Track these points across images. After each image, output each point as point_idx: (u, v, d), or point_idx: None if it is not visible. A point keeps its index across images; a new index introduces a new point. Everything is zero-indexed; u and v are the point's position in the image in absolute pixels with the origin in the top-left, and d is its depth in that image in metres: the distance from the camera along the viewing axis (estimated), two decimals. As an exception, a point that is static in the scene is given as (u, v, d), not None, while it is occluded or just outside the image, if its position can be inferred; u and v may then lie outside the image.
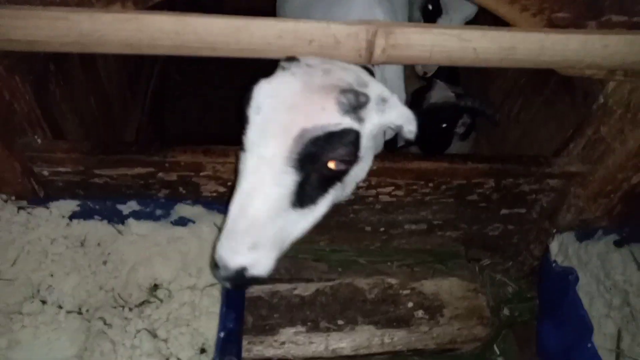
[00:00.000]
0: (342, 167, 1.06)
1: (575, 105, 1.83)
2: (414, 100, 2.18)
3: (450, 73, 2.59)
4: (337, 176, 1.10)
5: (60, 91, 1.64)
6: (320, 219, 1.17)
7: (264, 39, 1.03)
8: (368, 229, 1.81)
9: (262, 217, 1.03)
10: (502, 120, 2.48)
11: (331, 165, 1.03)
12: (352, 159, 1.06)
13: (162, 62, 2.97)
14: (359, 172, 1.17)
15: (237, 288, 1.26)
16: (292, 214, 1.08)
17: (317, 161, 1.02)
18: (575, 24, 1.14)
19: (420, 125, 2.05)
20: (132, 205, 1.51)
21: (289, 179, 1.03)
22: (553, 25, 1.13)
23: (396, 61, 1.08)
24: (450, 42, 1.05)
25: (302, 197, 1.07)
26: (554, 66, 1.18)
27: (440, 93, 2.12)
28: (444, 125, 2.06)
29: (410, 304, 1.72)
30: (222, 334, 1.29)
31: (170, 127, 2.96)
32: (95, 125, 1.99)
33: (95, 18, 0.98)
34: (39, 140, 1.43)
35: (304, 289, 1.71)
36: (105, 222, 1.54)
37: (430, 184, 1.62)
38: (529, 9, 1.10)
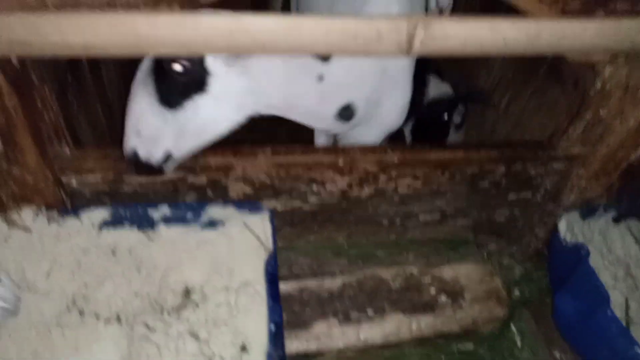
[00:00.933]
0: (181, 69, 1.27)
1: (565, 93, 1.96)
2: (411, 101, 2.27)
3: (432, 68, 2.71)
4: (190, 82, 1.32)
5: (76, 101, 1.64)
6: (205, 129, 1.41)
7: (313, 36, 1.08)
8: (385, 222, 1.88)
9: (139, 111, 1.36)
10: (491, 113, 2.61)
11: (176, 67, 1.27)
12: (190, 64, 1.28)
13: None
14: (225, 92, 1.38)
15: (143, 172, 1.47)
16: (166, 113, 1.35)
17: (168, 65, 1.26)
18: (586, 12, 1.25)
19: (421, 121, 2.14)
20: (164, 210, 1.52)
21: (150, 80, 1.32)
22: (567, 13, 1.24)
23: (432, 52, 1.15)
24: (482, 33, 1.13)
25: (168, 98, 1.33)
26: (571, 51, 1.29)
27: (437, 87, 2.21)
28: (445, 117, 2.15)
29: (433, 290, 1.79)
30: (272, 327, 1.32)
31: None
32: (103, 134, 1.99)
33: (152, 20, 1.01)
34: (68, 150, 1.43)
35: (331, 283, 1.76)
36: (135, 228, 1.54)
37: (446, 173, 1.70)
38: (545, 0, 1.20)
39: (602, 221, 1.90)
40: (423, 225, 1.94)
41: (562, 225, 1.80)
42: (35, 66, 1.26)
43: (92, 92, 1.84)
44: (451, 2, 2.17)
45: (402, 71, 1.70)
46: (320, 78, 1.48)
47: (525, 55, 1.24)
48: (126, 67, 2.31)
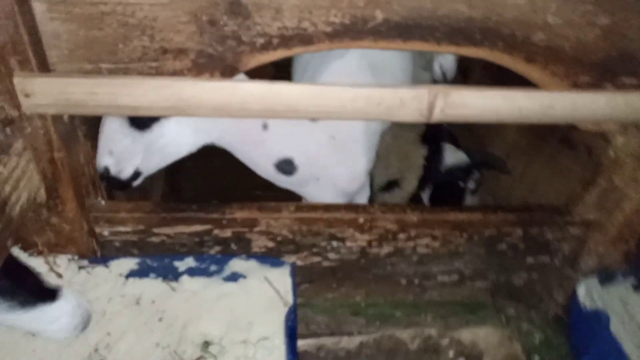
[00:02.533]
0: None
1: (579, 160, 2.02)
2: (428, 169, 2.32)
3: (450, 134, 2.80)
4: None
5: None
6: (169, 149, 1.58)
7: (340, 102, 1.18)
8: (403, 281, 1.89)
9: (111, 132, 1.45)
10: (506, 180, 2.67)
11: None
12: None
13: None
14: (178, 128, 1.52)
15: (114, 187, 1.58)
16: (136, 134, 1.46)
17: None
18: (595, 86, 1.33)
19: (438, 187, 2.19)
20: (189, 262, 1.58)
21: None
22: (577, 87, 1.32)
23: (451, 119, 1.24)
24: (498, 102, 1.21)
25: (138, 120, 1.43)
26: (582, 122, 1.36)
27: (453, 155, 2.29)
28: (462, 184, 2.21)
29: (451, 354, 1.77)
30: (290, 383, 1.32)
31: (185, 194, 3.05)
32: (134, 189, 2.08)
33: (194, 85, 1.12)
34: (103, 202, 1.52)
35: (348, 342, 1.75)
36: (159, 279, 1.59)
37: (464, 234, 1.74)
38: (557, 74, 1.29)
39: (621, 288, 1.89)
40: (441, 286, 1.95)
41: (581, 291, 1.79)
42: (82, 123, 1.37)
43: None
44: (455, 66, 2.29)
45: (353, 140, 1.80)
46: (265, 126, 1.62)
47: (539, 124, 1.31)
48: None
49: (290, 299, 1.55)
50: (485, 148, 2.98)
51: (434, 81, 2.33)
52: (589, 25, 1.21)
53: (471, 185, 2.37)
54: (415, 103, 1.19)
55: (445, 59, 2.23)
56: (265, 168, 1.73)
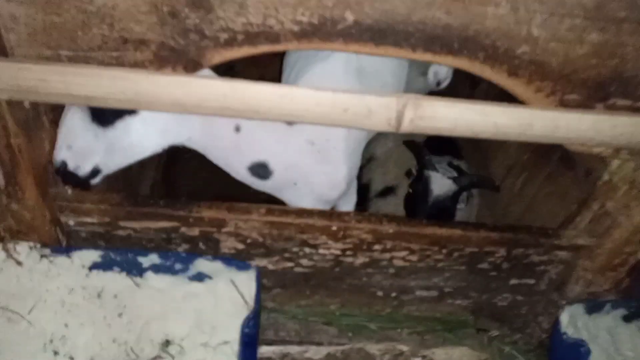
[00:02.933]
0: None
1: (577, 182, 1.92)
2: (415, 197, 2.17)
3: (451, 145, 2.70)
4: None
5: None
6: (133, 149, 1.49)
7: (304, 106, 1.12)
8: (380, 293, 1.83)
9: (71, 126, 1.37)
10: (505, 195, 2.57)
11: None
12: None
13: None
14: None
15: (70, 182, 1.48)
16: (97, 129, 1.39)
17: None
18: (584, 105, 1.24)
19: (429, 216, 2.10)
20: (153, 258, 1.54)
21: None
22: (564, 105, 1.24)
23: (423, 131, 1.17)
24: (472, 116, 1.14)
25: (101, 116, 1.35)
26: (567, 142, 1.28)
27: (440, 183, 2.11)
28: (450, 211, 2.12)
29: (421, 372, 1.70)
30: (239, 393, 1.28)
31: (180, 186, 3.02)
32: (115, 180, 2.05)
33: (151, 79, 1.07)
34: (69, 191, 1.49)
35: (315, 353, 1.70)
36: (124, 274, 1.55)
37: (444, 250, 1.67)
38: (543, 90, 1.21)
39: (609, 318, 1.79)
40: (420, 301, 1.88)
41: (564, 318, 1.70)
42: (49, 110, 1.34)
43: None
44: (450, 75, 2.20)
45: (334, 147, 1.72)
46: (238, 129, 1.54)
47: (521, 142, 1.23)
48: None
49: (253, 304, 1.51)
50: (487, 161, 2.89)
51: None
52: (578, 40, 1.13)
53: (461, 205, 2.26)
54: (383, 112, 1.13)
55: (441, 68, 2.14)
56: (238, 171, 1.67)
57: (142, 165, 2.51)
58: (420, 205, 2.08)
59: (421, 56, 1.14)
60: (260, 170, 1.64)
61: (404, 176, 2.42)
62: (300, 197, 1.79)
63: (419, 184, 2.11)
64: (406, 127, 1.15)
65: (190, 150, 3.42)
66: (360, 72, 1.73)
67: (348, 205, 2.12)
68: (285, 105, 1.12)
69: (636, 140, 1.23)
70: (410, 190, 2.18)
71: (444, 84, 2.20)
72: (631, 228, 1.53)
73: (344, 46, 1.13)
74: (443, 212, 2.08)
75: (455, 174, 2.22)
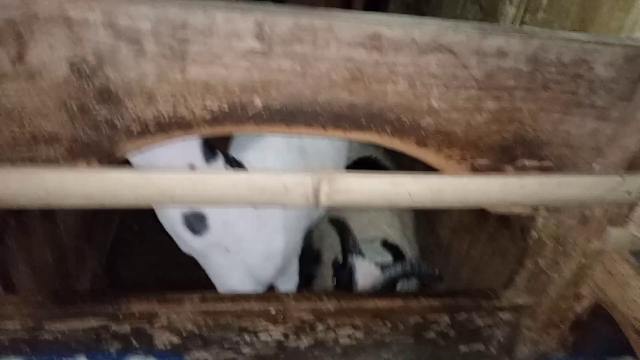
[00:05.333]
0: None
1: (514, 240, 1.96)
2: (341, 281, 1.92)
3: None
4: None
5: (18, 244, 1.65)
6: None
7: (220, 190, 1.13)
8: (330, 376, 1.75)
9: None
10: (453, 258, 2.60)
11: None
12: None
13: (121, 212, 3.05)
14: None
15: None
16: None
17: None
18: (494, 169, 1.30)
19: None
20: (80, 361, 1.44)
21: None
22: (476, 170, 1.29)
23: (340, 204, 1.19)
24: (386, 187, 1.17)
25: None
26: (482, 206, 1.32)
27: (366, 272, 1.84)
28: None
29: None
30: None
31: (126, 275, 2.91)
32: (49, 276, 1.97)
33: (60, 174, 1.07)
34: (-13, 296, 1.41)
35: None
36: (49, 382, 1.44)
37: (388, 323, 1.63)
38: (453, 157, 1.27)
39: (562, 377, 1.77)
40: (372, 379, 1.81)
41: (518, 383, 1.67)
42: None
43: (40, 235, 1.86)
44: None
45: (272, 217, 1.68)
46: (191, 167, 1.37)
47: (438, 208, 1.26)
48: (88, 210, 2.39)
49: (189, 401, 1.41)
50: (433, 225, 2.93)
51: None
52: (476, 109, 1.21)
53: (400, 286, 1.99)
54: (299, 189, 1.14)
55: None
56: (172, 218, 1.53)
57: (82, 259, 2.42)
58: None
59: (333, 133, 1.19)
60: (196, 222, 1.53)
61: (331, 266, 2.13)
62: (229, 269, 1.71)
63: (344, 272, 1.86)
64: (324, 202, 1.16)
65: (138, 237, 3.33)
66: (301, 149, 1.77)
67: (287, 286, 2.07)
68: (200, 191, 1.12)
69: (546, 198, 1.29)
70: (335, 281, 1.96)
71: None
72: (564, 284, 1.55)
73: (257, 128, 1.16)
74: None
75: (388, 258, 2.05)
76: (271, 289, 2.11)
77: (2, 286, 1.51)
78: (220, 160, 1.46)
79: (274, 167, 1.70)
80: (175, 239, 1.65)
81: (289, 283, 2.06)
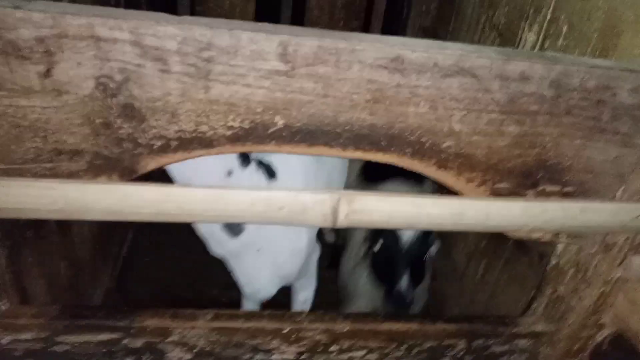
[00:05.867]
0: None
1: (532, 266, 1.94)
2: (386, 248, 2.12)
3: None
4: None
5: (34, 257, 1.66)
6: None
7: (239, 206, 1.13)
8: (342, 399, 1.72)
9: None
10: (469, 283, 2.56)
11: None
12: None
13: (134, 229, 3.08)
14: None
15: None
16: None
17: None
18: (515, 193, 1.29)
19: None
20: (92, 376, 1.44)
21: None
22: (496, 194, 1.28)
23: (359, 225, 1.18)
24: (406, 208, 1.17)
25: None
26: (502, 230, 1.30)
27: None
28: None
29: None
30: None
31: (138, 292, 2.92)
32: (63, 289, 1.97)
33: (81, 188, 1.08)
34: (3, 307, 1.41)
35: None
36: (59, 396, 1.44)
37: (402, 347, 1.61)
38: (473, 180, 1.26)
39: (582, 410, 1.72)
40: (385, 405, 1.77)
41: (535, 413, 1.62)
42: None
43: (56, 249, 1.88)
44: None
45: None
46: (230, 173, 1.49)
47: (459, 231, 1.25)
48: (102, 225, 2.42)
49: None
50: (450, 248, 2.90)
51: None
52: (498, 133, 1.20)
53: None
54: (318, 208, 1.14)
55: None
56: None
57: (95, 274, 2.43)
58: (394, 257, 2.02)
59: (352, 154, 1.18)
60: (235, 224, 1.59)
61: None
62: (257, 267, 1.76)
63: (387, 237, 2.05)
64: (342, 221, 1.16)
65: (151, 254, 3.35)
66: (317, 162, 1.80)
67: (306, 291, 2.08)
68: (220, 208, 1.12)
69: (569, 224, 1.27)
70: (379, 244, 2.10)
71: None
72: (584, 312, 1.52)
73: (277, 148, 1.17)
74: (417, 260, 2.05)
75: None
76: (288, 298, 2.14)
77: (18, 297, 1.51)
78: (253, 165, 1.55)
79: (295, 166, 1.75)
80: (207, 241, 1.69)
81: (306, 289, 2.06)
